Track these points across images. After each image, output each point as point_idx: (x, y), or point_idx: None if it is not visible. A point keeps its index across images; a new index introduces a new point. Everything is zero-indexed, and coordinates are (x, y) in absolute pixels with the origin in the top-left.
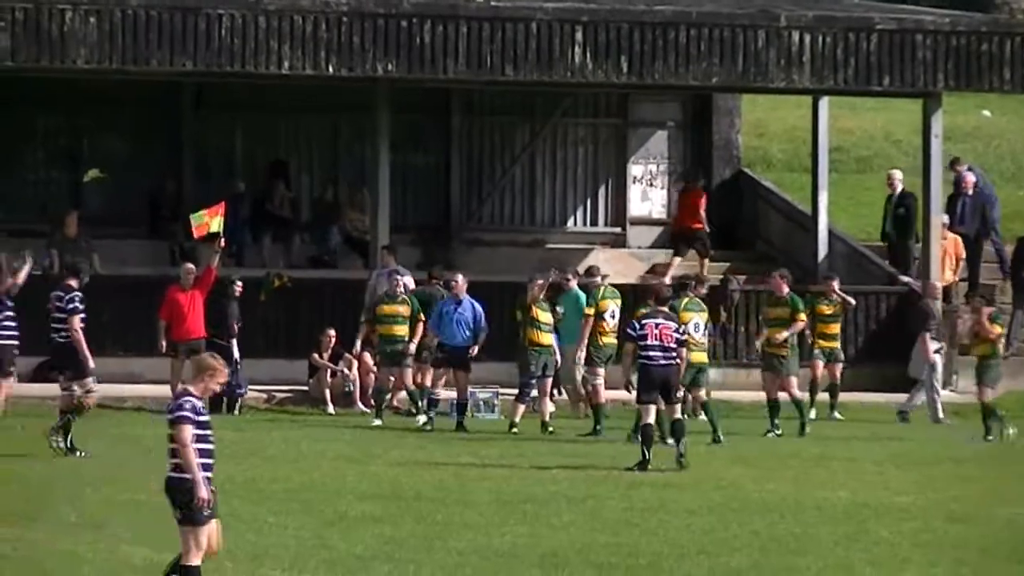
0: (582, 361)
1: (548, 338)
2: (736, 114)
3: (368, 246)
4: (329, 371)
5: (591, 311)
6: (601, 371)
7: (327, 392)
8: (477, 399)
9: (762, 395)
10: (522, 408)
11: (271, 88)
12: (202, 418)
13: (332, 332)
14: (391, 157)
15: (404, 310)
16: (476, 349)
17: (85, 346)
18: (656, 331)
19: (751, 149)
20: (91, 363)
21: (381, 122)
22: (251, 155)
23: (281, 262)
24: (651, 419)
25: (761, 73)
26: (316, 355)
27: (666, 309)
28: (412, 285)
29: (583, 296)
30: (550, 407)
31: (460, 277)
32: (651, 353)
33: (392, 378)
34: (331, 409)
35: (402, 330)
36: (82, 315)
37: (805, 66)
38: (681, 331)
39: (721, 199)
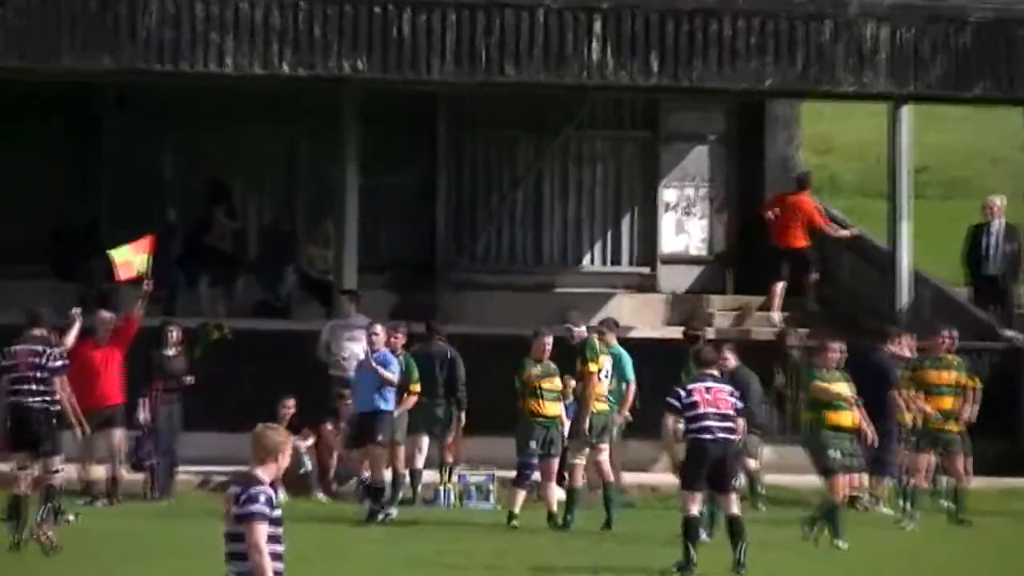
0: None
1: (553, 408)
2: (794, 126)
3: (331, 289)
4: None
5: (594, 366)
6: (586, 450)
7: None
8: (468, 484)
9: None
10: (522, 495)
11: (211, 92)
12: (276, 513)
13: (291, 403)
14: (361, 179)
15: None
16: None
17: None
18: (708, 396)
19: (814, 169)
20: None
21: (349, 135)
22: (186, 176)
23: (222, 310)
24: (696, 510)
25: (826, 74)
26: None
27: (715, 372)
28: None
29: (626, 355)
30: (558, 493)
31: (379, 328)
32: (705, 423)
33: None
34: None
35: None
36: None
37: (881, 66)
38: (738, 395)
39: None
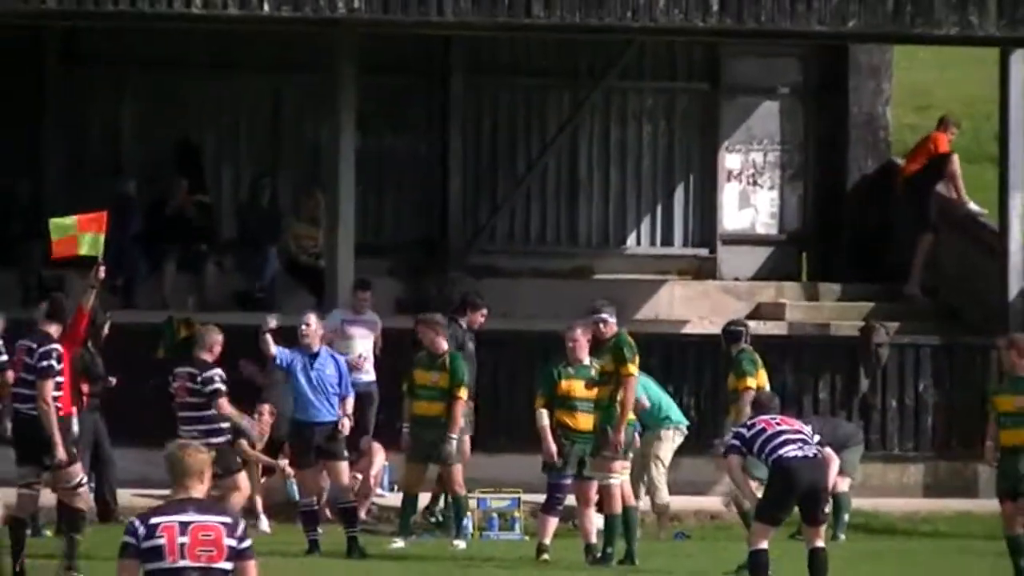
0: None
1: (587, 420)
2: (885, 77)
3: (322, 276)
4: (261, 467)
5: (634, 367)
6: (620, 465)
7: (258, 499)
8: (489, 510)
9: (923, 505)
10: (553, 522)
11: (176, 36)
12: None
13: (267, 408)
14: (359, 141)
15: (442, 379)
16: (347, 424)
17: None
18: (775, 421)
19: (908, 129)
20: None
21: (344, 88)
22: (146, 137)
23: (191, 300)
24: (766, 543)
25: (923, 15)
26: (243, 443)
27: (775, 408)
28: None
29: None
30: (598, 521)
31: (312, 317)
32: (783, 438)
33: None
34: (264, 524)
35: (438, 408)
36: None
37: (990, 3)
38: (808, 429)
39: (861, 204)
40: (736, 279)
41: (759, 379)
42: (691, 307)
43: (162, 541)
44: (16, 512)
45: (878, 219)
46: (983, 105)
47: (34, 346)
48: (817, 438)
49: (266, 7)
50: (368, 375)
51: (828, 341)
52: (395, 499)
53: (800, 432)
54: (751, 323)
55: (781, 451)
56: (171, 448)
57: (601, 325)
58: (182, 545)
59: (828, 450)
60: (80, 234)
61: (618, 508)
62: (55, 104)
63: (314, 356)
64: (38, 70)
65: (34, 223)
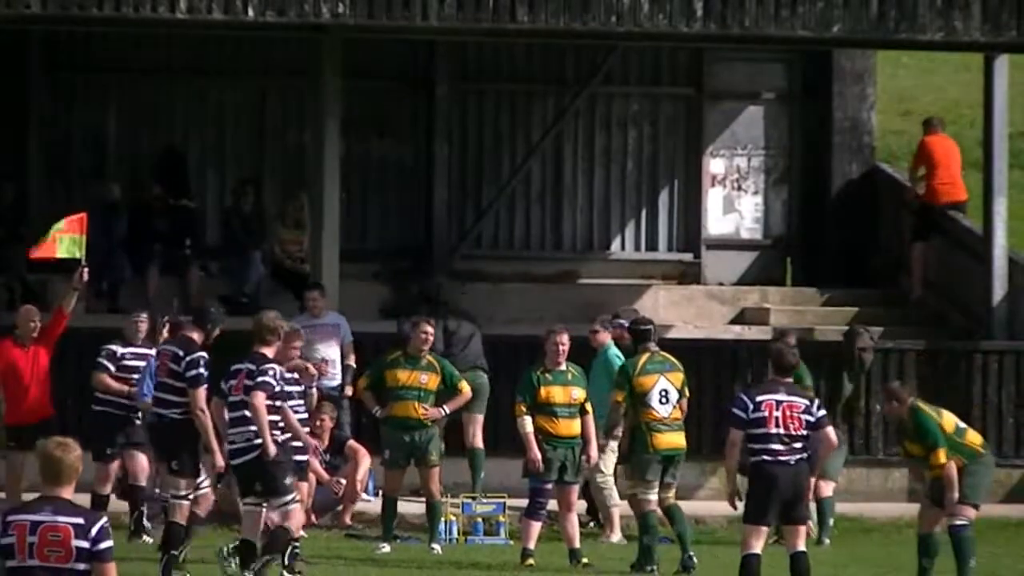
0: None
1: (568, 426)
2: (869, 82)
3: (307, 280)
4: None
5: (620, 396)
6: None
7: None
8: (474, 515)
9: (907, 509)
10: (537, 527)
11: (160, 41)
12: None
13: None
14: (344, 146)
15: (430, 380)
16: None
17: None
18: (778, 412)
19: (892, 134)
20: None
21: (328, 94)
22: (130, 142)
23: (176, 304)
24: (759, 547)
25: (907, 21)
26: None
27: (790, 381)
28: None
29: (613, 355)
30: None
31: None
32: (771, 446)
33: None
34: None
35: (422, 409)
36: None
37: (974, 8)
38: (815, 408)
39: (845, 208)
40: (720, 284)
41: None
42: (676, 312)
43: (13, 539)
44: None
45: (859, 224)
46: (967, 110)
47: (180, 353)
48: (822, 412)
49: (250, 12)
50: (333, 380)
51: (812, 346)
52: (379, 504)
53: (794, 435)
54: (735, 328)
55: (765, 456)
56: (45, 446)
57: (621, 330)
58: (31, 544)
59: (830, 430)
60: (59, 236)
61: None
62: (39, 109)
63: None
64: (22, 75)
65: (18, 228)
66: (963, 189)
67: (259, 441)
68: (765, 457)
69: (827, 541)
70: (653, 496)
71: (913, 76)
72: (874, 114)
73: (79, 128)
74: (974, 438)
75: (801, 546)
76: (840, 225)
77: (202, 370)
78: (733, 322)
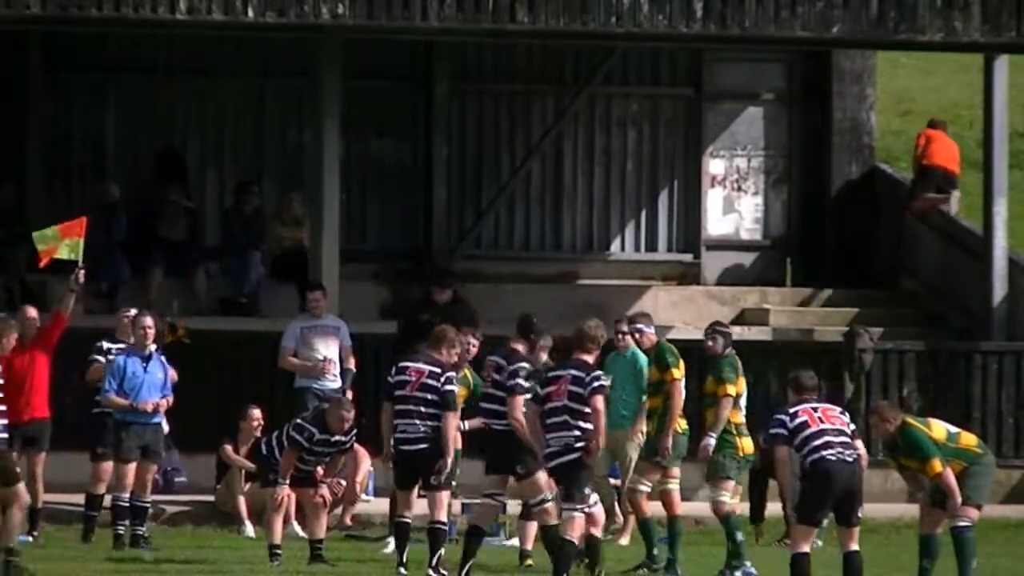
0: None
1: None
2: (868, 83)
3: (306, 265)
4: (244, 472)
5: (679, 372)
6: (675, 471)
7: (241, 503)
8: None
9: (907, 509)
10: (534, 528)
11: (160, 42)
12: None
13: (257, 413)
14: (343, 146)
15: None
16: (165, 426)
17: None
18: (818, 414)
19: (892, 135)
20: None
21: (328, 94)
22: (130, 142)
23: (177, 305)
24: (808, 546)
25: (906, 21)
26: (229, 448)
27: (815, 396)
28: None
29: (642, 357)
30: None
31: (148, 319)
32: (826, 439)
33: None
34: (249, 530)
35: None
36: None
37: (974, 9)
38: (848, 416)
39: (845, 209)
40: (720, 284)
41: (739, 386)
42: (675, 312)
43: None
44: (476, 520)
45: (859, 225)
46: (966, 111)
47: (503, 363)
48: (852, 426)
49: (250, 13)
50: (334, 381)
51: (812, 347)
52: (379, 504)
53: (841, 429)
54: (735, 328)
55: (823, 452)
56: None
57: (638, 335)
58: None
59: (859, 443)
60: (60, 240)
61: (679, 510)
62: (39, 109)
63: (147, 359)
64: (22, 75)
65: (17, 228)
66: (957, 165)
67: (580, 445)
68: (824, 453)
69: (818, 543)
70: (735, 499)
71: (912, 76)
72: (874, 114)
73: (79, 128)
74: (969, 440)
75: (854, 545)
76: (840, 225)
77: (521, 380)
78: (733, 323)
